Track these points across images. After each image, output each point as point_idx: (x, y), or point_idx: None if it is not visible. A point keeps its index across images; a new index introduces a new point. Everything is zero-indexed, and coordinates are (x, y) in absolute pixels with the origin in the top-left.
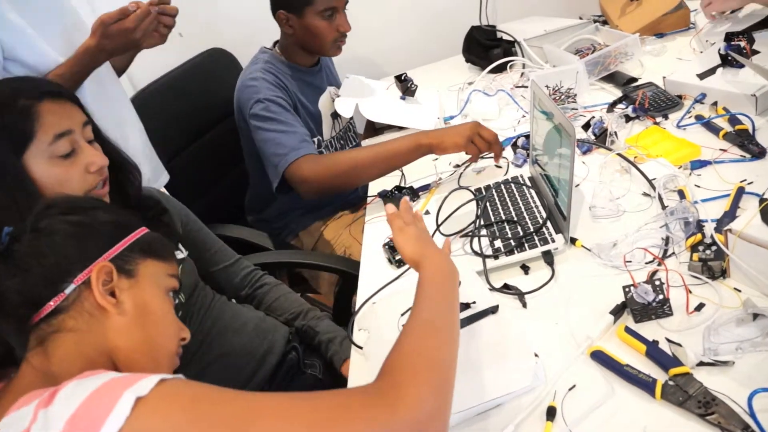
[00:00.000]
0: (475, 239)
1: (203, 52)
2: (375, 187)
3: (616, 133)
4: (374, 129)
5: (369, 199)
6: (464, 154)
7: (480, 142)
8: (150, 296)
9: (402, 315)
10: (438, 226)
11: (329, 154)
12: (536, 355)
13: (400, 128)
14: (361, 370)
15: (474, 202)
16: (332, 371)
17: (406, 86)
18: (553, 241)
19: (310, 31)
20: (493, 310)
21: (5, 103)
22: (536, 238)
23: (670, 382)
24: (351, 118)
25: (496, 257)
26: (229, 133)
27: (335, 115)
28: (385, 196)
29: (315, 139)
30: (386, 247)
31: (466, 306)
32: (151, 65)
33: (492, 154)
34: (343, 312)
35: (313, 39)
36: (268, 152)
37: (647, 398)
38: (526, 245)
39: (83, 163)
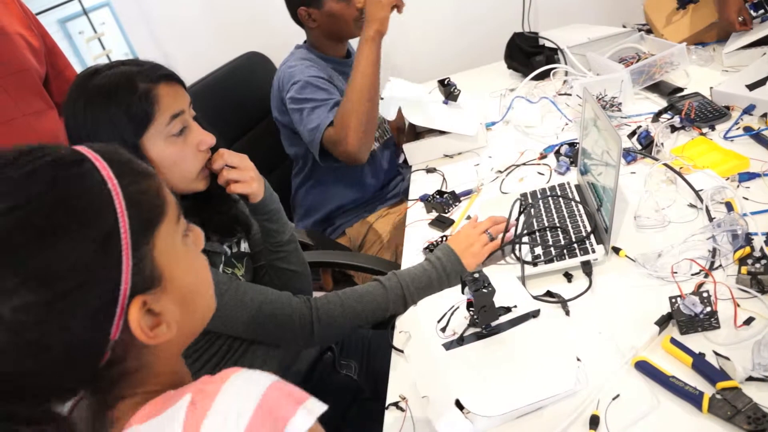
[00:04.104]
0: (517, 245)
1: (241, 55)
2: (416, 190)
3: (662, 143)
4: (415, 133)
5: (410, 203)
6: (506, 160)
7: None
8: (184, 274)
9: (439, 321)
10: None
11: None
12: (578, 359)
13: (442, 132)
14: (401, 372)
15: (516, 208)
16: (368, 372)
17: (449, 91)
18: (594, 251)
19: (333, 17)
20: (535, 314)
21: (126, 87)
22: (577, 247)
23: (718, 396)
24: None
25: (535, 264)
26: (268, 135)
27: None
28: (427, 201)
29: None
30: (426, 250)
31: (507, 309)
32: (193, 67)
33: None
34: None
35: (337, 24)
36: (304, 131)
37: (693, 411)
38: (566, 254)
39: (194, 142)
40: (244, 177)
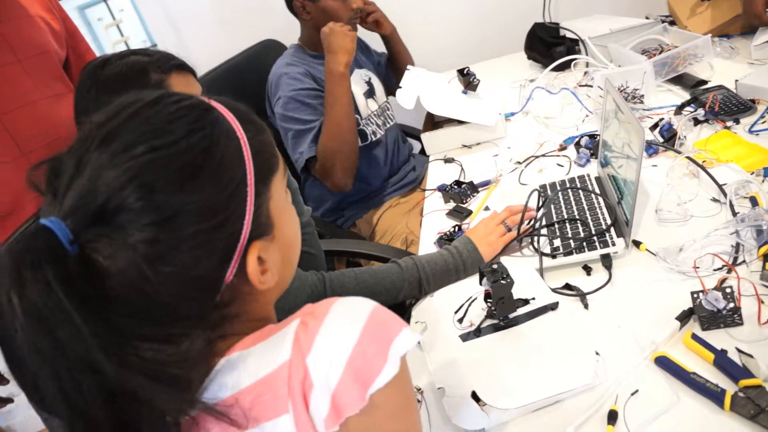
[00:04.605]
0: (536, 237)
1: (258, 43)
2: (433, 180)
3: (685, 136)
4: (433, 122)
5: (427, 193)
6: (525, 151)
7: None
8: (288, 226)
9: (456, 312)
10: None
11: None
12: (597, 353)
13: (460, 122)
14: (417, 363)
15: (534, 199)
16: None
17: (468, 80)
18: (614, 244)
19: (326, 14)
20: (553, 306)
21: (139, 77)
22: (596, 240)
23: (740, 394)
24: (386, 97)
25: (553, 257)
26: None
27: (368, 95)
28: (444, 191)
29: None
30: (439, 241)
31: (525, 302)
32: (209, 54)
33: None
34: (400, 304)
35: (329, 20)
36: (289, 150)
37: (715, 409)
38: (585, 247)
39: None
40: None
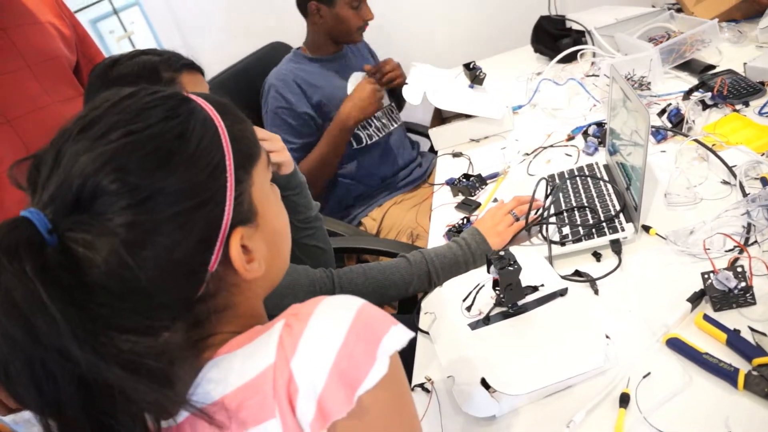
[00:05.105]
0: (545, 225)
1: (266, 45)
2: (442, 175)
3: (693, 120)
4: (441, 118)
5: (436, 187)
6: (533, 142)
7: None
8: (273, 215)
9: (464, 300)
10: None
11: None
12: (607, 337)
13: (468, 116)
14: (427, 353)
15: (542, 188)
16: None
17: (474, 74)
18: (623, 230)
19: (339, 20)
20: (562, 292)
21: (150, 76)
22: (605, 226)
23: (754, 372)
24: (391, 100)
25: (563, 244)
26: None
27: None
28: (453, 184)
29: None
30: (448, 234)
31: (534, 289)
32: (220, 56)
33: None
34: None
35: (340, 27)
36: None
37: (728, 388)
38: (594, 233)
39: None
40: (277, 147)
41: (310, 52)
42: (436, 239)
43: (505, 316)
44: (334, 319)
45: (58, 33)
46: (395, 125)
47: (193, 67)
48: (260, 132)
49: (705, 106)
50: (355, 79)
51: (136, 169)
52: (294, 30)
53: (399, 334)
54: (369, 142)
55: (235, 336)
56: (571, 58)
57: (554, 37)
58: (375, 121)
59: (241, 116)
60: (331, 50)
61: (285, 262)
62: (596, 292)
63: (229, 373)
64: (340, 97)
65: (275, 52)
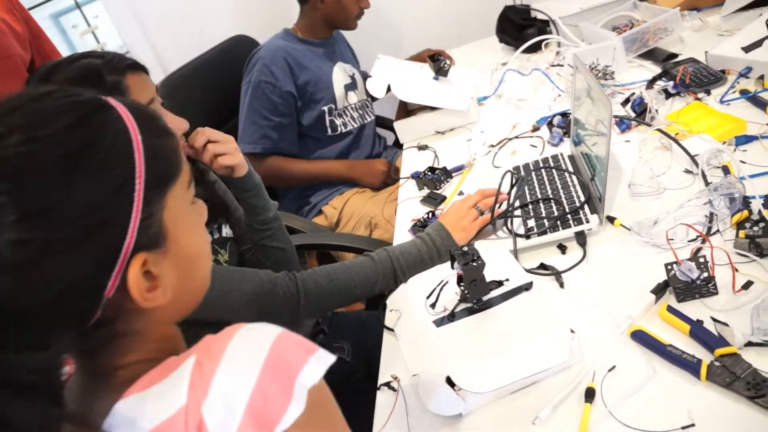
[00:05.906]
0: (509, 219)
1: (230, 38)
2: (407, 168)
3: (657, 109)
4: (407, 110)
5: (402, 181)
6: (498, 134)
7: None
8: (188, 238)
9: (428, 297)
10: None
11: (273, 159)
12: (572, 331)
13: (433, 109)
14: (393, 351)
15: (507, 181)
16: (361, 354)
17: (439, 66)
18: (588, 221)
19: (340, 6)
20: (527, 287)
21: (95, 80)
22: (570, 218)
23: (716, 363)
24: (368, 94)
25: (528, 237)
26: None
27: (349, 87)
28: (418, 178)
29: (326, 107)
30: (413, 229)
31: (498, 284)
32: (181, 50)
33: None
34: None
35: (339, 13)
36: (240, 127)
37: (692, 380)
38: (559, 226)
39: None
40: (229, 149)
41: (301, 34)
42: (401, 234)
43: (470, 312)
44: (248, 356)
45: (10, 29)
46: (369, 119)
47: (137, 67)
48: (213, 133)
49: (668, 95)
50: (341, 69)
51: (32, 179)
52: (258, 23)
53: (317, 367)
54: (343, 130)
55: (147, 365)
56: (536, 48)
57: (519, 27)
58: (352, 111)
59: (165, 130)
60: (323, 35)
61: (202, 286)
62: (561, 285)
63: (140, 416)
64: (324, 81)
65: (239, 44)
